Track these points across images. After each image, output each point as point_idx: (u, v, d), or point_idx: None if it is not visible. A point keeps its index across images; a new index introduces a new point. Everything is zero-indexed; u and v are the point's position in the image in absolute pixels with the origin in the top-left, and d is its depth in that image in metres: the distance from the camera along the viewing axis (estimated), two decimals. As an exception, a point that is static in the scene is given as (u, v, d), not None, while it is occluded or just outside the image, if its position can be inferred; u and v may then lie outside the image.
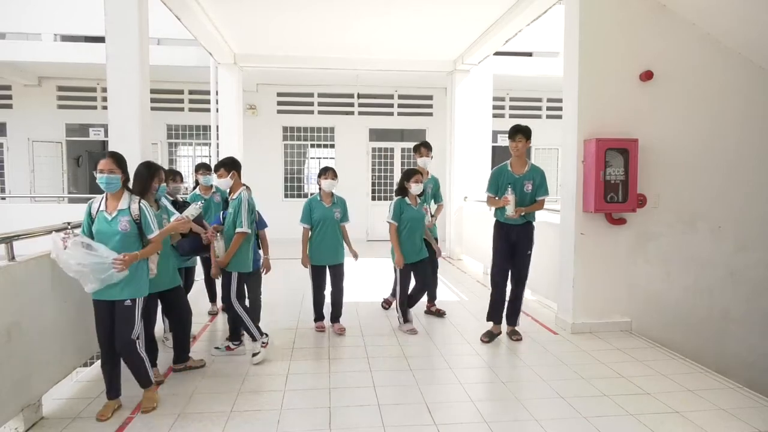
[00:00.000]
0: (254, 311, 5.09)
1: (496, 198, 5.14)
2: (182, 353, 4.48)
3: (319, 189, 5.71)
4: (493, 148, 11.42)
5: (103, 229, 3.55)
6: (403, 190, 5.55)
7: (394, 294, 6.07)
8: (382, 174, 13.51)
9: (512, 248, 5.14)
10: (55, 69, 11.74)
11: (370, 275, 8.84)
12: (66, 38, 11.92)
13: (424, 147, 6.25)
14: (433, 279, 6.08)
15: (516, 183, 5.06)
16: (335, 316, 5.64)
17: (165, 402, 3.85)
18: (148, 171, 4.11)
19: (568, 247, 5.58)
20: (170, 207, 5.00)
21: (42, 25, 11.56)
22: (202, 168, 6.20)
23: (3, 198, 12.31)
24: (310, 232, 5.65)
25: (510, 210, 4.89)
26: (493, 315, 5.35)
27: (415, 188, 5.47)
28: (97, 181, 3.61)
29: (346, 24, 8.30)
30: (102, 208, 3.63)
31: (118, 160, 3.69)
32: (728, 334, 5.71)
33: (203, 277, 6.21)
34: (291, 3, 7.36)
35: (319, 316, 5.72)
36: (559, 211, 6.00)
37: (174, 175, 5.26)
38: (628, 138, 5.38)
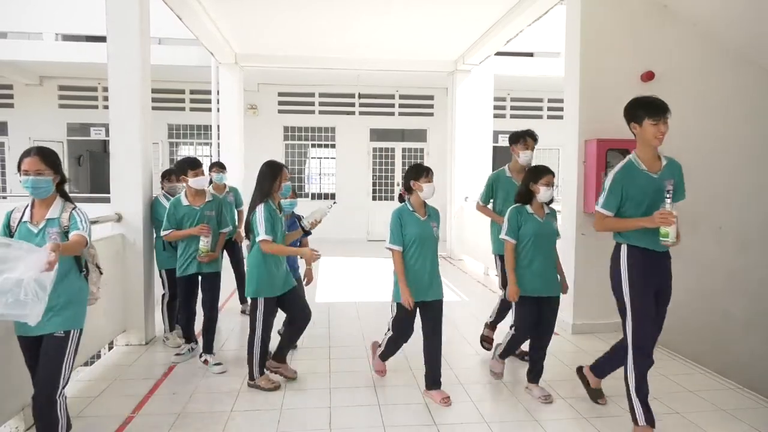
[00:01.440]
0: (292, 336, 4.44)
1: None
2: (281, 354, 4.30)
3: (408, 196, 3.97)
4: (494, 148, 11.43)
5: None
6: (523, 195, 4.00)
7: (492, 326, 4.95)
8: (383, 174, 13.52)
9: (657, 292, 3.60)
10: (57, 68, 11.76)
11: (369, 275, 8.84)
12: (67, 38, 11.93)
13: (530, 137, 4.84)
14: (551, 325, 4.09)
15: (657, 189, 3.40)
16: (434, 380, 3.94)
17: (165, 401, 3.85)
18: (272, 170, 4.05)
19: (568, 247, 5.57)
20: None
21: (43, 24, 11.57)
22: (216, 166, 6.15)
23: (4, 197, 12.33)
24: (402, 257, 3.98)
25: (673, 234, 3.25)
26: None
27: (545, 193, 3.91)
28: (21, 185, 2.94)
29: (347, 24, 8.31)
30: (25, 218, 2.93)
31: (48, 157, 2.90)
32: (729, 335, 5.70)
33: (235, 276, 6.17)
34: (292, 2, 7.36)
35: (384, 357, 4.28)
36: (559, 211, 5.98)
37: (170, 175, 5.22)
38: (629, 138, 5.35)
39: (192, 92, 12.92)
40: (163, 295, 5.16)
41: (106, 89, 6.42)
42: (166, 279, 5.08)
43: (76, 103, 12.67)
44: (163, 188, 5.21)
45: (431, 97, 13.49)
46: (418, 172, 3.86)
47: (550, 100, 13.55)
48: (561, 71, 5.89)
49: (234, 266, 6.16)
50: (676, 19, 5.50)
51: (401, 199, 4.04)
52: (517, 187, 4.30)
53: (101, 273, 3.16)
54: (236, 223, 6.23)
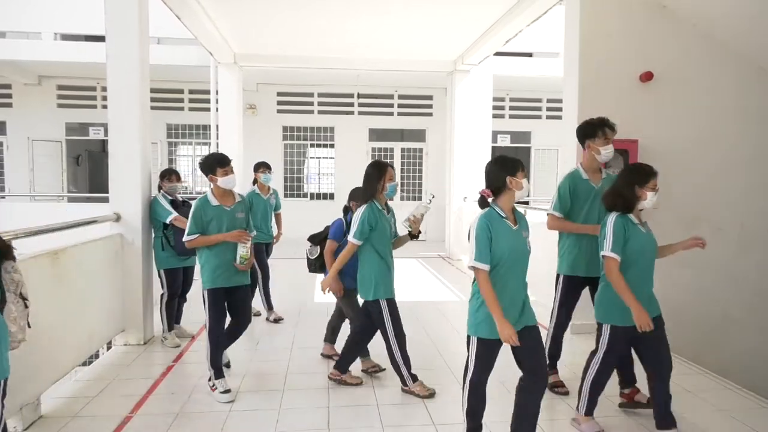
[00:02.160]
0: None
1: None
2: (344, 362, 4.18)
3: (496, 198, 3.02)
4: (493, 148, 11.42)
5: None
6: (626, 201, 3.21)
7: (553, 367, 4.20)
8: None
9: None
10: (55, 68, 11.74)
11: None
12: (66, 37, 11.92)
13: (609, 128, 3.90)
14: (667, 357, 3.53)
15: None
16: None
17: (164, 401, 3.85)
18: (377, 170, 3.96)
19: (402, 227, 5.54)
20: (167, 206, 4.98)
21: (42, 24, 11.56)
22: (263, 166, 6.02)
23: (3, 197, 12.30)
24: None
25: None
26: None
27: (651, 199, 3.21)
28: None
29: (346, 24, 8.30)
30: None
31: None
32: (728, 336, 5.71)
33: (260, 282, 6.00)
34: (291, 2, 7.36)
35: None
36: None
37: (170, 174, 5.20)
38: (628, 139, 5.38)
39: (191, 92, 12.91)
40: (162, 295, 5.15)
41: (104, 89, 6.41)
42: (165, 278, 5.07)
43: (74, 103, 12.66)
44: (162, 188, 5.18)
45: (430, 97, 13.49)
46: (514, 165, 2.92)
47: (548, 101, 13.55)
48: (560, 71, 5.89)
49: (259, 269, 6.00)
50: (675, 19, 5.51)
51: (483, 202, 3.04)
52: (595, 191, 3.85)
53: (27, 306, 2.49)
54: (270, 226, 6.13)
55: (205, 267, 3.97)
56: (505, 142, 13.34)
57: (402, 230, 4.16)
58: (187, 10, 7.09)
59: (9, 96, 12.52)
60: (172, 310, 5.16)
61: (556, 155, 13.26)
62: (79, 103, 12.67)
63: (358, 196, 4.20)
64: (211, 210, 3.95)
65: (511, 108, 13.61)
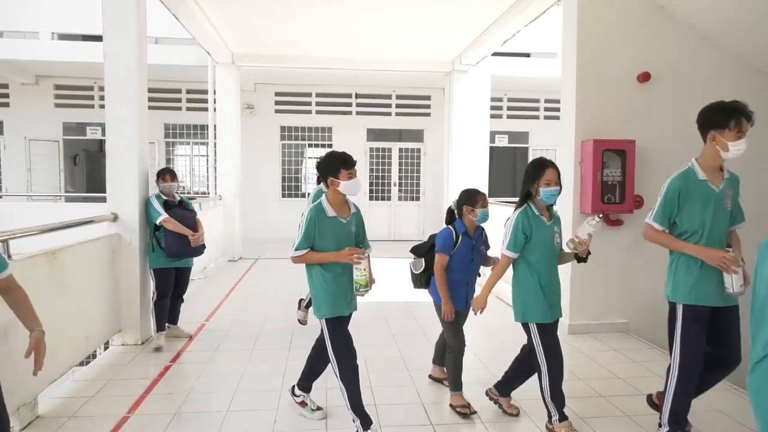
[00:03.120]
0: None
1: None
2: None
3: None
4: (491, 148, 11.43)
5: None
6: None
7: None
8: (380, 174, 13.51)
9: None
10: (53, 68, 11.72)
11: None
12: (63, 37, 11.89)
13: (745, 117, 3.15)
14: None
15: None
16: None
17: (161, 401, 3.84)
18: (534, 170, 3.30)
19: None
20: (158, 207, 4.93)
21: (40, 23, 11.53)
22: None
23: (0, 196, 12.28)
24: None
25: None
26: None
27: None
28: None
29: (344, 24, 8.30)
30: None
31: None
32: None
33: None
34: (289, 2, 7.36)
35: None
36: (556, 211, 5.99)
37: (164, 174, 5.11)
38: (626, 139, 5.40)
39: (188, 92, 12.90)
40: (153, 294, 5.13)
41: (102, 89, 6.41)
42: (155, 278, 5.05)
43: (72, 103, 12.64)
44: (159, 188, 5.14)
45: (428, 98, 13.50)
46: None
47: (546, 101, 13.57)
48: (558, 72, 5.90)
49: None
50: (672, 20, 5.52)
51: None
52: (716, 195, 3.19)
53: None
54: None
55: (320, 292, 3.30)
56: (503, 142, 13.36)
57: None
58: (184, 9, 7.09)
59: (6, 96, 12.49)
60: (162, 311, 5.07)
61: (554, 155, 13.27)
62: (76, 102, 12.65)
63: (470, 200, 3.73)
64: (326, 222, 3.25)
65: (509, 108, 13.63)
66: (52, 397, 3.86)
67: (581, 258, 3.40)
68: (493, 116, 11.45)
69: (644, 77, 5.45)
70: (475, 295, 3.53)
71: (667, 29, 5.53)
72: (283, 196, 13.31)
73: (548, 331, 3.32)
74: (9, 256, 3.43)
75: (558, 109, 6.00)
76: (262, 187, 13.02)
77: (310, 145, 13.52)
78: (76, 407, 3.71)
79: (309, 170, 13.63)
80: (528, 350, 3.47)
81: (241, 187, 10.55)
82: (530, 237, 3.28)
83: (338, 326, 3.32)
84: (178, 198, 5.21)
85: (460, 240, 3.64)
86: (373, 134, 13.58)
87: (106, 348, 5.00)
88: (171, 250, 4.87)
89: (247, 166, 11.67)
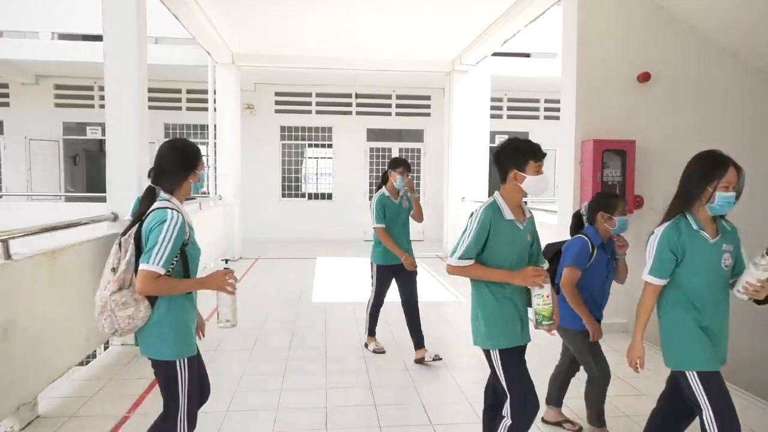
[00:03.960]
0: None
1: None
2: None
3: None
4: (491, 149, 11.43)
5: None
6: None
7: None
8: (380, 174, 13.50)
9: None
10: (53, 67, 11.72)
11: (366, 275, 8.82)
12: (64, 37, 11.89)
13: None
14: None
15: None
16: None
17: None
18: (707, 168, 2.67)
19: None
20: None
21: (40, 23, 11.53)
22: (402, 165, 4.72)
23: (0, 196, 12.28)
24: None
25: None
26: None
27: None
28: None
29: (344, 24, 8.30)
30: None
31: None
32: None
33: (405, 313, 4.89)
34: (289, 2, 7.36)
35: None
36: (556, 212, 6.01)
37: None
38: (626, 139, 5.40)
39: (188, 92, 12.89)
40: None
41: (102, 88, 6.41)
42: None
43: (72, 102, 12.63)
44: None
45: (428, 98, 13.50)
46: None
47: (546, 101, 13.57)
48: (558, 72, 5.90)
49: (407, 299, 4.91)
50: (672, 20, 5.52)
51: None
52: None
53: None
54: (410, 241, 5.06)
55: (491, 316, 2.57)
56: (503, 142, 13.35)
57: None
58: (184, 9, 7.09)
59: (6, 95, 12.49)
60: None
61: (554, 155, 13.26)
62: (76, 102, 12.65)
63: (608, 205, 3.24)
64: (503, 226, 2.54)
65: (509, 108, 13.63)
66: (52, 396, 3.86)
67: (761, 302, 2.66)
68: (493, 116, 11.45)
69: (644, 77, 5.45)
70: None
71: (667, 29, 5.53)
72: (283, 196, 13.30)
73: (714, 380, 2.44)
74: (9, 256, 3.43)
75: (558, 109, 6.01)
76: (262, 187, 13.02)
77: (310, 145, 13.52)
78: (76, 407, 3.71)
79: (309, 170, 13.62)
80: (671, 398, 2.78)
81: (241, 187, 10.55)
82: (683, 258, 2.50)
83: (512, 358, 2.57)
84: None
85: (595, 253, 3.13)
86: (373, 134, 13.58)
87: (106, 348, 5.00)
88: None
89: (247, 166, 11.66)
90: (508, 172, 2.58)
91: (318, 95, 13.31)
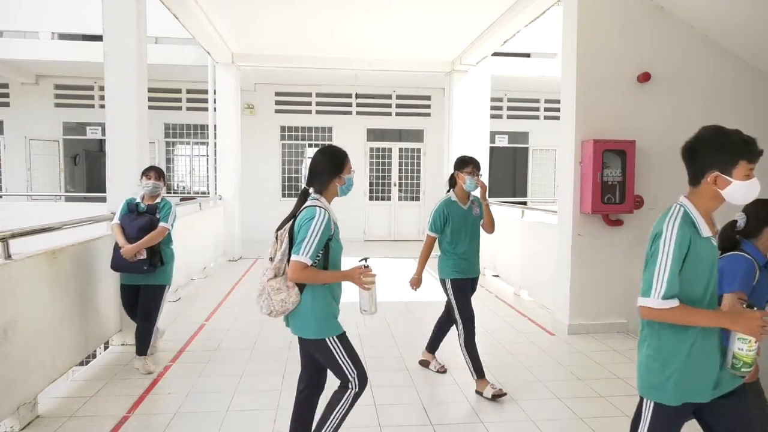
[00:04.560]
0: None
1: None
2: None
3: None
4: (491, 148, 11.44)
5: None
6: None
7: None
8: (380, 174, 13.51)
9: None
10: (53, 67, 11.72)
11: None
12: (63, 36, 11.90)
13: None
14: None
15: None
16: None
17: (161, 401, 3.84)
18: None
19: (565, 248, 5.58)
20: (118, 212, 4.38)
21: (39, 23, 11.54)
22: (471, 164, 4.17)
23: (0, 196, 12.28)
24: None
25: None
26: None
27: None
28: None
29: (345, 24, 8.30)
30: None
31: None
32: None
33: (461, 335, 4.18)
34: (289, 2, 7.35)
35: None
36: (556, 212, 6.01)
37: (148, 172, 4.41)
38: (626, 139, 5.40)
39: (188, 92, 12.89)
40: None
41: (102, 88, 6.40)
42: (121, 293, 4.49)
43: (72, 102, 12.63)
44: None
45: (428, 98, 13.50)
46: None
47: (546, 101, 13.57)
48: (558, 72, 5.90)
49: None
50: (672, 20, 5.52)
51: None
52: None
53: None
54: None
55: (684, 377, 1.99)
56: (503, 142, 13.36)
57: None
58: (184, 9, 7.08)
59: (6, 95, 12.49)
60: (139, 333, 4.39)
61: (554, 155, 13.28)
62: (76, 102, 12.64)
63: None
64: (704, 248, 1.99)
65: (509, 108, 13.63)
66: (52, 396, 3.86)
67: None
68: (493, 116, 11.45)
69: (644, 77, 5.45)
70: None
71: (667, 29, 5.53)
72: (283, 196, 13.30)
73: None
74: (9, 256, 3.43)
75: (558, 109, 6.00)
76: (262, 187, 13.02)
77: (310, 145, 13.51)
78: (76, 407, 3.71)
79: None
80: None
81: (241, 187, 10.54)
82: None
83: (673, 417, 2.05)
84: (158, 200, 4.44)
85: (758, 274, 2.50)
86: (373, 134, 13.57)
87: (106, 348, 4.99)
88: (112, 262, 4.26)
89: (247, 166, 11.66)
90: (706, 173, 2.02)
91: (318, 95, 13.31)
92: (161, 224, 4.32)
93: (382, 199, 13.47)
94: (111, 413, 3.61)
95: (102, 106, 11.70)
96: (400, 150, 13.55)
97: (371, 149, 13.46)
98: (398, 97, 13.48)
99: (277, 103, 13.19)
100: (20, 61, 11.39)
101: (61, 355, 3.89)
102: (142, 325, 4.39)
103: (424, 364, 4.56)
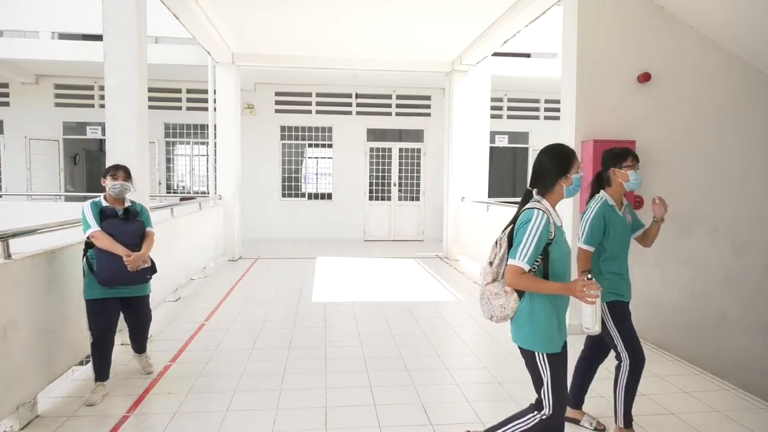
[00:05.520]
0: None
1: None
2: None
3: None
4: (491, 148, 11.44)
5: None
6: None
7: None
8: (380, 174, 13.51)
9: None
10: (53, 67, 11.72)
11: (366, 275, 8.83)
12: (63, 36, 11.90)
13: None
14: None
15: None
16: None
17: (161, 401, 3.84)
18: None
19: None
20: (90, 216, 3.85)
21: (39, 22, 11.54)
22: (631, 155, 3.47)
23: (0, 196, 12.28)
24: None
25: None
26: None
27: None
28: None
29: (345, 24, 8.30)
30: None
31: None
32: (724, 336, 5.73)
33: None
34: (289, 2, 7.35)
35: None
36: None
37: (114, 171, 3.97)
38: (626, 139, 5.40)
39: (188, 91, 12.89)
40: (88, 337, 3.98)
41: (102, 88, 6.40)
42: (87, 312, 3.86)
43: (72, 102, 12.63)
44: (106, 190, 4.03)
45: (428, 98, 13.50)
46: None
47: (546, 101, 13.57)
48: (558, 72, 5.90)
49: None
50: (672, 20, 5.52)
51: None
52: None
53: None
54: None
55: None
56: (503, 142, 13.36)
57: None
58: (184, 9, 7.08)
59: (6, 95, 12.49)
60: (101, 356, 3.87)
61: (553, 156, 13.26)
62: (76, 102, 12.64)
63: None
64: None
65: (509, 108, 13.62)
66: (52, 396, 3.86)
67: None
68: (493, 116, 11.46)
69: (644, 77, 5.45)
70: None
71: (667, 29, 5.53)
72: (283, 196, 13.30)
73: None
74: (9, 256, 3.43)
75: (558, 109, 6.01)
76: (262, 187, 13.03)
77: (310, 145, 13.52)
78: (75, 406, 3.71)
79: (309, 170, 13.62)
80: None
81: (241, 187, 10.55)
82: None
83: None
84: (128, 204, 4.08)
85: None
86: (374, 134, 13.57)
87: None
88: (102, 276, 3.74)
89: (247, 166, 11.67)
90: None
91: (318, 95, 13.31)
92: (149, 229, 4.08)
93: (382, 199, 13.47)
94: (111, 413, 3.62)
95: (102, 106, 11.70)
96: (400, 150, 13.55)
97: (371, 149, 13.46)
98: (398, 97, 13.48)
99: (277, 102, 13.19)
100: (20, 61, 11.38)
101: (61, 355, 3.89)
102: (141, 335, 4.25)
103: (574, 422, 3.59)
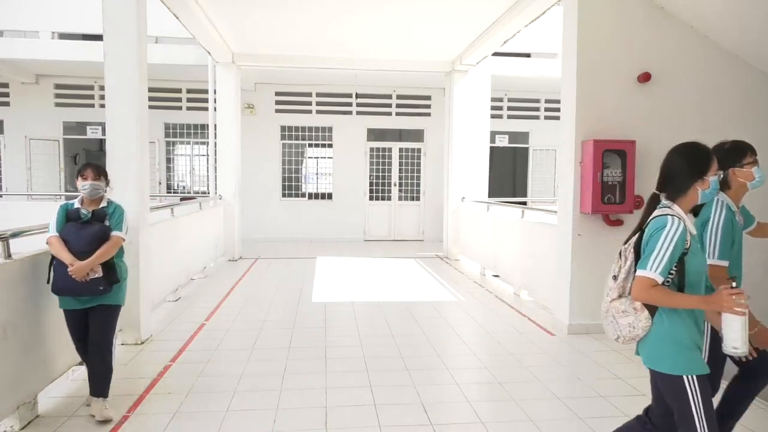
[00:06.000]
0: None
1: None
2: None
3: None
4: (491, 148, 11.44)
5: None
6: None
7: None
8: (380, 174, 13.51)
9: None
10: (53, 67, 11.72)
11: (366, 275, 8.83)
12: (64, 36, 11.89)
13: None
14: None
15: None
16: None
17: (161, 401, 3.84)
18: None
19: (565, 248, 5.58)
20: (54, 219, 3.56)
21: (40, 22, 11.54)
22: (749, 150, 3.15)
23: (0, 196, 12.28)
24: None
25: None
26: None
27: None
28: None
29: (345, 24, 8.30)
30: None
31: None
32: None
33: None
34: (290, 2, 7.35)
35: None
36: (556, 212, 6.01)
37: (84, 170, 3.72)
38: (626, 139, 5.40)
39: (189, 91, 12.89)
40: None
41: (102, 88, 6.40)
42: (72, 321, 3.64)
43: (72, 102, 12.63)
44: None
45: (428, 98, 13.50)
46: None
47: (546, 101, 13.57)
48: (558, 72, 5.90)
49: None
50: (672, 20, 5.52)
51: None
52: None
53: None
54: None
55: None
56: (503, 142, 13.36)
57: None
58: (184, 9, 7.08)
59: (6, 95, 12.49)
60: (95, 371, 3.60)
61: (554, 155, 13.27)
62: (76, 102, 12.65)
63: None
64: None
65: (510, 108, 13.62)
66: (52, 396, 3.86)
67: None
68: (493, 116, 11.46)
69: (644, 77, 5.45)
70: None
71: (667, 29, 5.53)
72: (283, 196, 13.30)
73: None
74: (9, 255, 3.43)
75: (558, 109, 6.00)
76: (262, 187, 13.03)
77: (310, 145, 13.52)
78: (75, 406, 3.71)
79: (309, 170, 13.62)
80: None
81: (241, 187, 10.55)
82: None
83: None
84: (104, 204, 3.72)
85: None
86: (374, 134, 13.57)
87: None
88: (54, 284, 3.47)
89: (247, 166, 11.66)
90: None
91: (318, 95, 13.31)
92: (114, 233, 3.59)
93: (382, 199, 13.47)
94: (111, 413, 3.61)
95: (102, 106, 11.69)
96: (400, 150, 13.56)
97: (371, 149, 13.46)
98: (398, 97, 13.48)
99: (278, 102, 13.19)
100: (20, 61, 11.39)
101: (61, 355, 3.88)
102: (95, 358, 3.58)
103: None
